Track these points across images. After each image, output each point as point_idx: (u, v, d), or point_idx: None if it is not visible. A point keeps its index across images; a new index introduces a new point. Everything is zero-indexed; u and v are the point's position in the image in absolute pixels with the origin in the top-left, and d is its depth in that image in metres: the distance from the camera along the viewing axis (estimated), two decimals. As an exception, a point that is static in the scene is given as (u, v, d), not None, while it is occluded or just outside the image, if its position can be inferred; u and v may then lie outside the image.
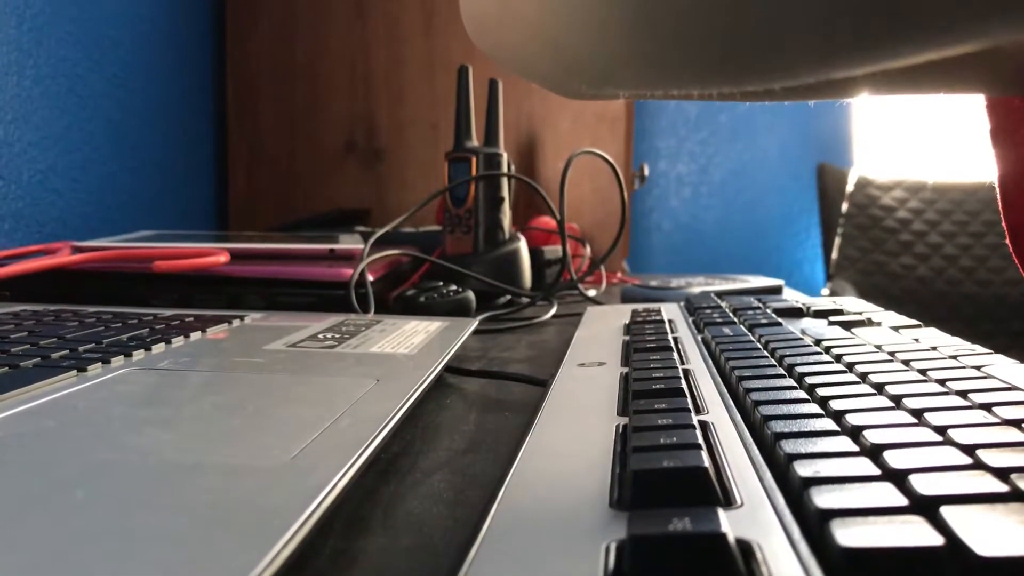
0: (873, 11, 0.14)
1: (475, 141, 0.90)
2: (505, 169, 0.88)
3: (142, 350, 0.41)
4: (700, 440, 0.23)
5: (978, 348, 0.36)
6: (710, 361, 0.38)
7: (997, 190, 0.38)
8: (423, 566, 0.23)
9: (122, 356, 0.39)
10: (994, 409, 0.25)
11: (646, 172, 1.41)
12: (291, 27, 1.31)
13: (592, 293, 0.90)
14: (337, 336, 0.47)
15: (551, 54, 0.20)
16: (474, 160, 0.86)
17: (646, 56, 0.18)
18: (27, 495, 0.21)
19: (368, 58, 1.30)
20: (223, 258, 0.68)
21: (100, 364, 0.37)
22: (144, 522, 0.20)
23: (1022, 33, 0.14)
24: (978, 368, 0.32)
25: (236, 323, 0.52)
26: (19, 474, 0.23)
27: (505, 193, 0.87)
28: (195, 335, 0.47)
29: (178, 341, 0.45)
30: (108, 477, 0.23)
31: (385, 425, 0.29)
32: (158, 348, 0.42)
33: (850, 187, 2.24)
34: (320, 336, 0.47)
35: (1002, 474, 0.19)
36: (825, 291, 2.14)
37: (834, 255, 2.21)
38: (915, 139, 2.37)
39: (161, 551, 0.18)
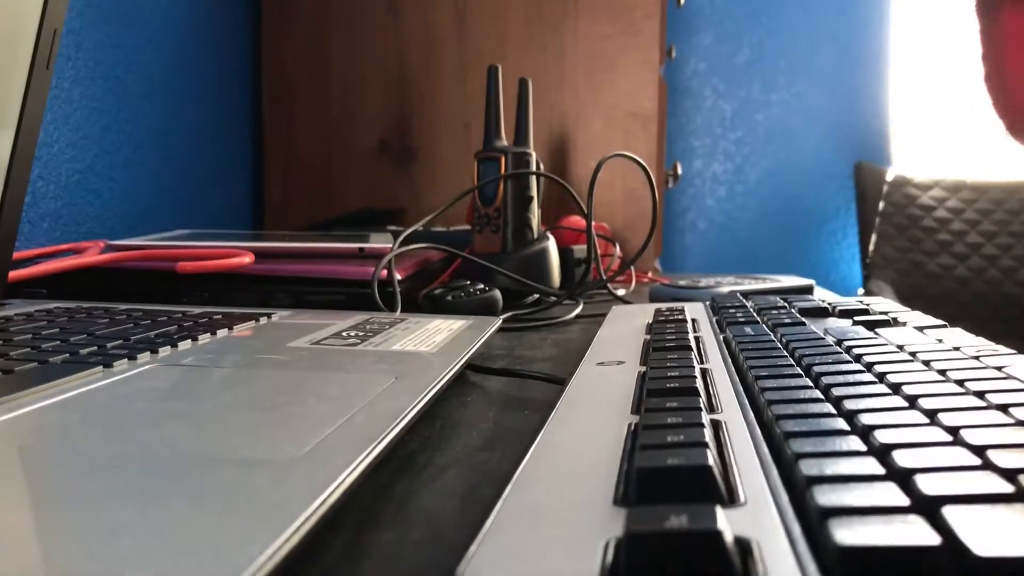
0: None
1: (505, 140, 0.90)
2: (534, 168, 0.88)
3: (168, 346, 0.42)
4: (708, 439, 0.23)
5: (1001, 348, 0.36)
6: (729, 361, 0.38)
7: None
8: (430, 560, 0.23)
9: (148, 352, 0.40)
10: (1010, 410, 0.25)
11: (679, 171, 1.40)
12: (325, 28, 1.32)
13: (621, 292, 0.90)
14: (360, 334, 0.48)
15: None
16: (503, 159, 0.86)
17: None
18: (51, 485, 0.22)
19: (401, 59, 1.31)
20: (247, 259, 0.69)
21: (126, 360, 0.38)
22: (157, 512, 0.20)
23: None
24: (999, 368, 0.31)
25: (263, 320, 0.53)
26: (44, 465, 0.24)
27: (534, 192, 0.88)
28: (222, 332, 0.47)
29: (204, 338, 0.45)
30: (125, 469, 0.24)
31: (399, 421, 0.29)
32: (184, 345, 0.43)
33: (887, 186, 2.20)
34: (344, 334, 0.48)
35: (1009, 475, 0.19)
36: (861, 291, 2.11)
37: (871, 255, 2.17)
38: (954, 137, 2.33)
39: (171, 539, 0.19)
